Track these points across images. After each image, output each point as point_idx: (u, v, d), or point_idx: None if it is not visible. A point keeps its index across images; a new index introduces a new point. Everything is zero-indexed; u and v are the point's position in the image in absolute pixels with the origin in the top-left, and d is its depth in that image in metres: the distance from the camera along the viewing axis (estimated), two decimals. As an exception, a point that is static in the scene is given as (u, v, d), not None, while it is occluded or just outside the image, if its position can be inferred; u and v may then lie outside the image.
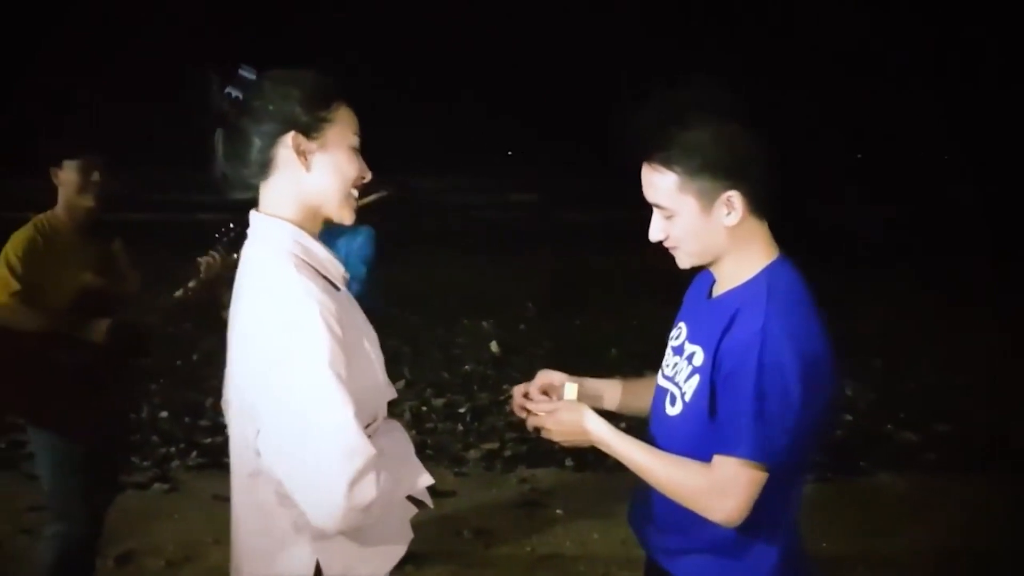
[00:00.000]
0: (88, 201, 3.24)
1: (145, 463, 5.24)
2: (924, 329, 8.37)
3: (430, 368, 7.50)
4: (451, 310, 9.38)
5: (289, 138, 1.77)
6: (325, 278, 1.79)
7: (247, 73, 1.81)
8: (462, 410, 6.37)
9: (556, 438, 1.94)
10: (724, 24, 18.45)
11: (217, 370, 1.91)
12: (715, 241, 1.81)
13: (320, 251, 1.81)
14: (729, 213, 1.78)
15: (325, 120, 1.79)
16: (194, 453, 5.40)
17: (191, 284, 3.29)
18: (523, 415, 2.02)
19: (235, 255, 3.20)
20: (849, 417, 6.20)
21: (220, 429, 5.76)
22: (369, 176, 1.88)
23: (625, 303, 9.52)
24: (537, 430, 1.97)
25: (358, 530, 1.77)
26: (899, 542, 4.38)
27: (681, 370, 1.90)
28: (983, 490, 4.92)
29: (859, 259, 11.63)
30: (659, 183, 1.80)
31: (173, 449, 5.47)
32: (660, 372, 2.00)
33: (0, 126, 17.80)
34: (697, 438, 1.81)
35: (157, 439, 5.62)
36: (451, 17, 24.37)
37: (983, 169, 17.49)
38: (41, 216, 3.27)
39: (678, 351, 1.95)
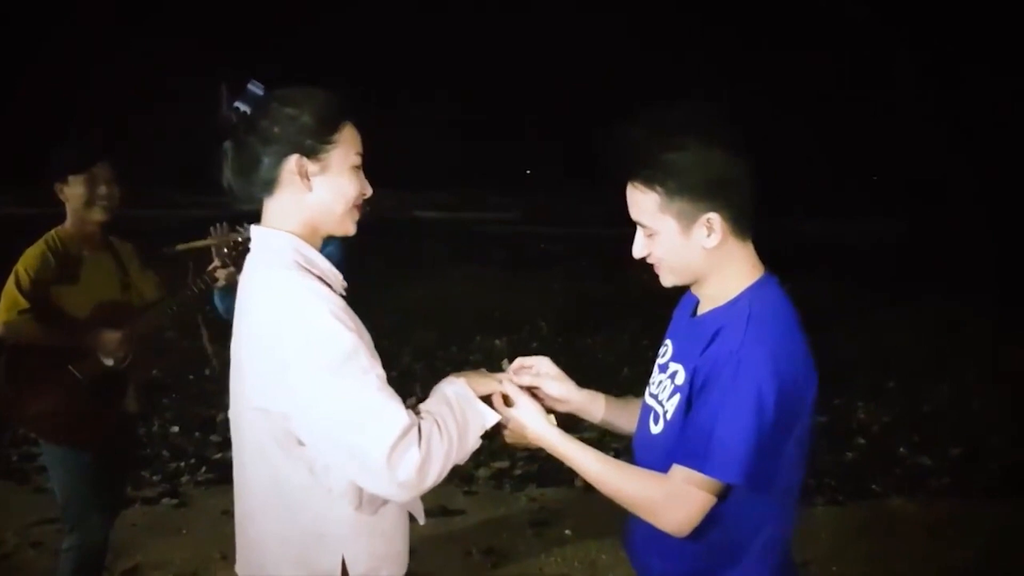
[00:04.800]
0: (97, 215, 3.24)
1: (155, 477, 5.24)
2: (939, 351, 8.31)
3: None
4: (464, 328, 9.35)
5: (292, 160, 1.82)
6: (328, 285, 1.85)
7: (256, 88, 1.86)
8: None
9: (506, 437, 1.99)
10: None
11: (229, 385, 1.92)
12: (695, 261, 1.84)
13: (320, 260, 1.88)
14: (709, 235, 1.79)
15: (329, 143, 1.84)
16: (204, 468, 5.40)
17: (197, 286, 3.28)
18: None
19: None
20: (862, 440, 6.15)
21: (230, 444, 5.76)
22: (370, 192, 1.94)
23: (637, 322, 9.48)
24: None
25: (384, 529, 1.87)
26: (911, 567, 4.33)
27: (665, 388, 1.92)
28: (997, 515, 4.88)
29: (875, 279, 11.57)
30: (641, 202, 1.83)
31: (183, 464, 5.47)
32: (647, 389, 2.02)
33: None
34: (677, 457, 1.80)
35: (167, 453, 5.62)
36: (466, 37, 24.56)
37: (1006, 185, 17.29)
38: (51, 232, 3.26)
39: (663, 368, 1.98)
